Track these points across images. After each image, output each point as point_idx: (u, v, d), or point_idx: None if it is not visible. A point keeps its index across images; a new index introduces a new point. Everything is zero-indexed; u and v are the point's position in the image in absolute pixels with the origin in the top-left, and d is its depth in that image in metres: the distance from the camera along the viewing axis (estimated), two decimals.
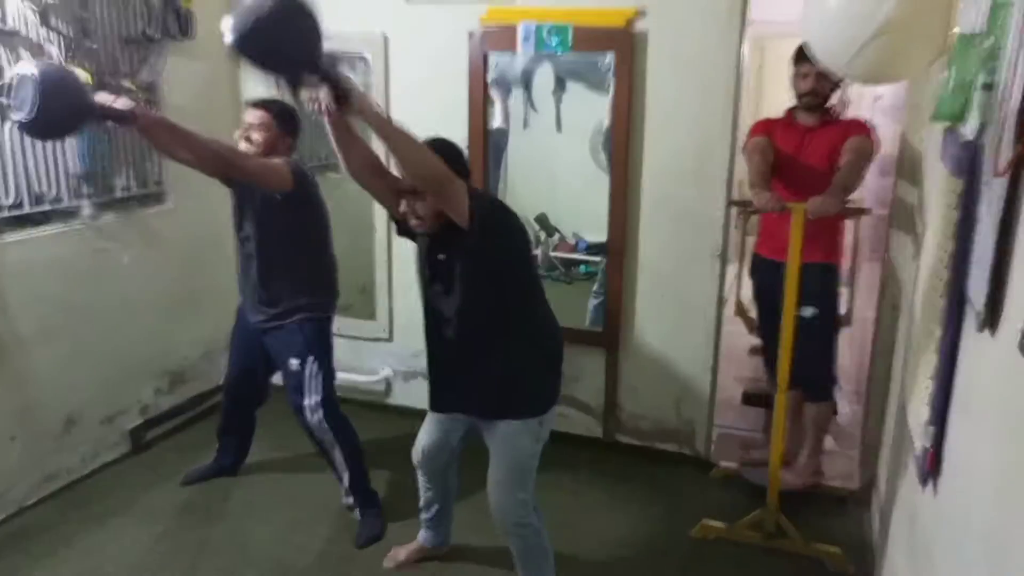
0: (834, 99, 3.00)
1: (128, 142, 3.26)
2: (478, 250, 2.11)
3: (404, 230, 2.28)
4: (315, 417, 2.79)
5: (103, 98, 2.39)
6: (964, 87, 1.59)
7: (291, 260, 2.81)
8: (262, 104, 2.76)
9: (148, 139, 2.68)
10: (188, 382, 3.69)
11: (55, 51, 2.89)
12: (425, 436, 2.51)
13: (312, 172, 2.85)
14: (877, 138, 2.86)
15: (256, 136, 2.72)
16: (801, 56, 2.81)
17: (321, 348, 2.84)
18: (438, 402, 2.39)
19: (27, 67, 2.29)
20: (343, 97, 1.80)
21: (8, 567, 2.64)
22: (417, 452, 2.53)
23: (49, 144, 2.93)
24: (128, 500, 3.06)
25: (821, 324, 2.97)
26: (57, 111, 2.31)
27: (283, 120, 2.76)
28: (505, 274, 2.19)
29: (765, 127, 3.00)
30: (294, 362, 2.80)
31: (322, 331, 2.87)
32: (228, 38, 1.66)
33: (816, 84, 2.84)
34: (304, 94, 1.95)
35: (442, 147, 2.14)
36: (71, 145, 2.99)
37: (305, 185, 2.76)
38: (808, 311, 2.89)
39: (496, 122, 3.93)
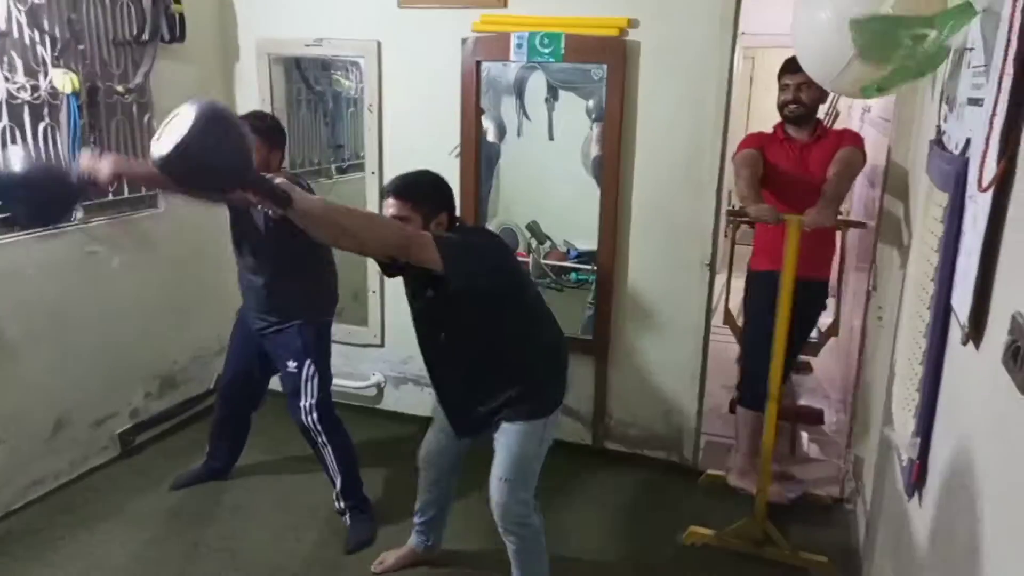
0: (820, 112, 3.04)
1: (119, 145, 3.26)
2: (460, 293, 2.12)
3: (391, 272, 2.19)
4: (310, 419, 2.80)
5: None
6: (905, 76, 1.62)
7: (298, 279, 2.81)
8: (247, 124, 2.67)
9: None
10: (178, 386, 3.68)
11: (46, 54, 2.88)
12: (433, 437, 2.52)
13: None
14: (864, 149, 2.90)
15: None
16: (784, 68, 2.88)
17: (319, 351, 2.85)
18: (458, 430, 2.42)
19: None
20: (283, 201, 1.75)
21: None
22: (424, 453, 2.54)
23: (41, 146, 2.92)
24: (117, 504, 3.05)
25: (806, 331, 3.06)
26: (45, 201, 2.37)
27: (270, 138, 2.71)
28: (493, 306, 2.19)
29: (756, 141, 3.02)
30: (292, 364, 2.82)
31: (321, 335, 2.88)
32: (155, 160, 1.63)
33: (797, 94, 2.89)
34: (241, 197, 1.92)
35: (418, 184, 2.15)
36: (62, 148, 2.98)
37: None
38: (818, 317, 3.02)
39: (489, 136, 3.95)
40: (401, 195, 2.12)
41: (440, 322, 2.27)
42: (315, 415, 2.81)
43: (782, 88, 2.95)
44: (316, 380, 2.82)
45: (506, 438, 2.28)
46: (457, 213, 2.28)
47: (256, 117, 2.73)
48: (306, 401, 2.81)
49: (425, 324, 2.32)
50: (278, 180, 1.82)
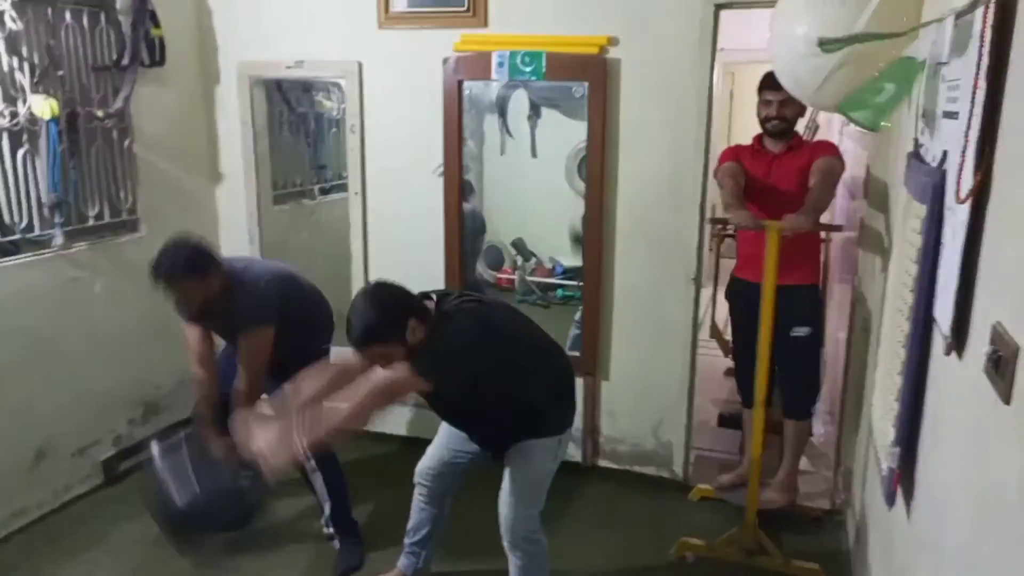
0: (800, 125, 3.08)
1: (99, 170, 3.24)
2: (457, 394, 2.19)
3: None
4: (299, 442, 2.76)
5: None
6: (895, 102, 1.69)
7: (286, 351, 2.73)
8: (167, 276, 2.57)
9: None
10: (162, 412, 3.64)
11: (25, 80, 2.87)
12: (434, 454, 2.50)
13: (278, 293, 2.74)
14: (842, 157, 2.95)
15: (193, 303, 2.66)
16: (766, 84, 2.91)
17: None
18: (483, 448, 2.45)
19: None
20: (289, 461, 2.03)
21: None
22: (422, 469, 2.52)
23: (20, 173, 2.91)
24: (101, 533, 3.00)
25: (812, 343, 3.08)
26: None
27: (196, 270, 2.57)
28: (495, 382, 2.19)
29: (735, 153, 3.08)
30: (286, 387, 2.78)
31: (316, 361, 2.86)
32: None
33: (780, 110, 2.93)
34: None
35: (368, 327, 2.07)
36: (42, 174, 2.96)
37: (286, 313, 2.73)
38: (803, 330, 3.00)
39: (468, 204, 3.91)
40: (363, 346, 2.09)
41: (449, 406, 2.34)
42: (304, 440, 2.76)
43: (764, 103, 2.99)
44: None
45: (519, 455, 2.28)
46: (429, 298, 2.24)
47: (170, 265, 2.56)
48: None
49: (439, 411, 2.39)
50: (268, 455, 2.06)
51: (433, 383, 2.08)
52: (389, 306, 2.10)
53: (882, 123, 1.93)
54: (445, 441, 2.48)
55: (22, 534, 2.98)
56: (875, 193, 2.86)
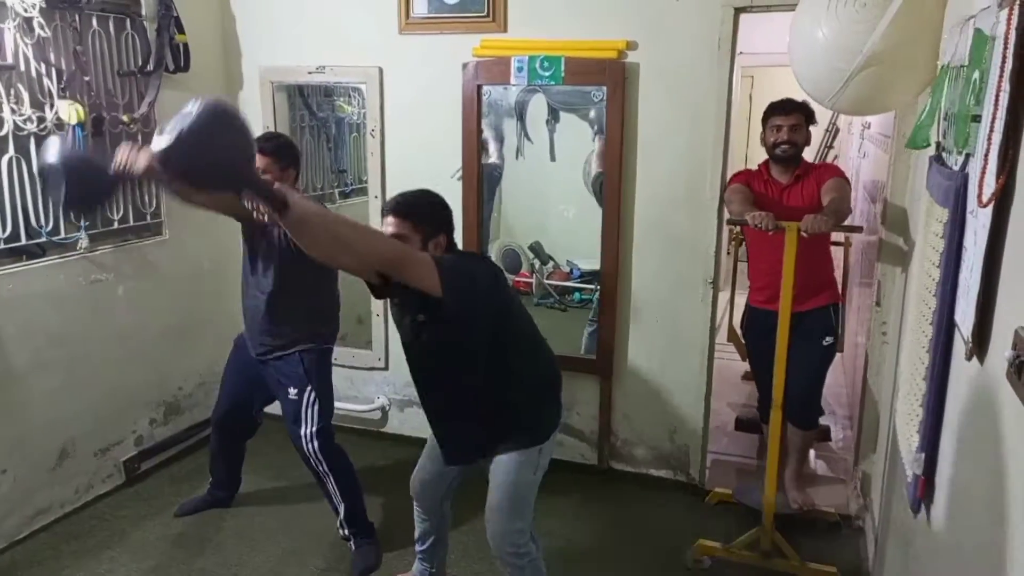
0: (818, 131, 3.08)
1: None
2: (454, 317, 2.04)
3: (380, 293, 2.15)
4: (311, 447, 2.79)
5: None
6: (932, 116, 1.64)
7: (305, 297, 2.82)
8: (258, 146, 2.67)
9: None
10: (183, 413, 3.68)
11: (52, 85, 2.92)
12: (424, 467, 2.51)
13: None
14: (848, 178, 3.00)
15: None
16: (774, 110, 2.96)
17: (320, 378, 2.85)
18: (448, 458, 2.37)
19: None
20: (281, 205, 1.69)
21: None
22: (415, 483, 2.53)
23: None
24: (122, 532, 3.04)
25: (829, 354, 3.12)
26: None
27: (283, 156, 2.74)
28: (485, 333, 2.14)
29: (745, 177, 3.09)
30: (292, 391, 2.81)
31: (322, 361, 2.88)
32: (155, 153, 1.63)
33: (791, 135, 2.96)
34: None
35: (418, 203, 2.12)
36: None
37: None
38: (828, 340, 3.07)
39: (491, 157, 3.97)
40: (401, 213, 2.09)
41: (430, 348, 2.19)
42: (316, 443, 2.78)
43: (773, 129, 3.01)
44: (317, 407, 2.80)
45: (500, 468, 2.25)
46: (456, 237, 2.26)
47: (265, 139, 2.76)
48: (307, 429, 2.79)
49: (415, 350, 2.24)
50: (276, 185, 1.80)
51: (446, 285, 1.94)
52: (442, 207, 2.18)
53: (924, 139, 1.89)
54: (430, 456, 2.47)
55: (45, 532, 3.02)
56: (896, 196, 2.84)
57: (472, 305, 2.05)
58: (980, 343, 1.30)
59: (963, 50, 1.60)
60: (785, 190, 3.02)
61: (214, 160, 1.64)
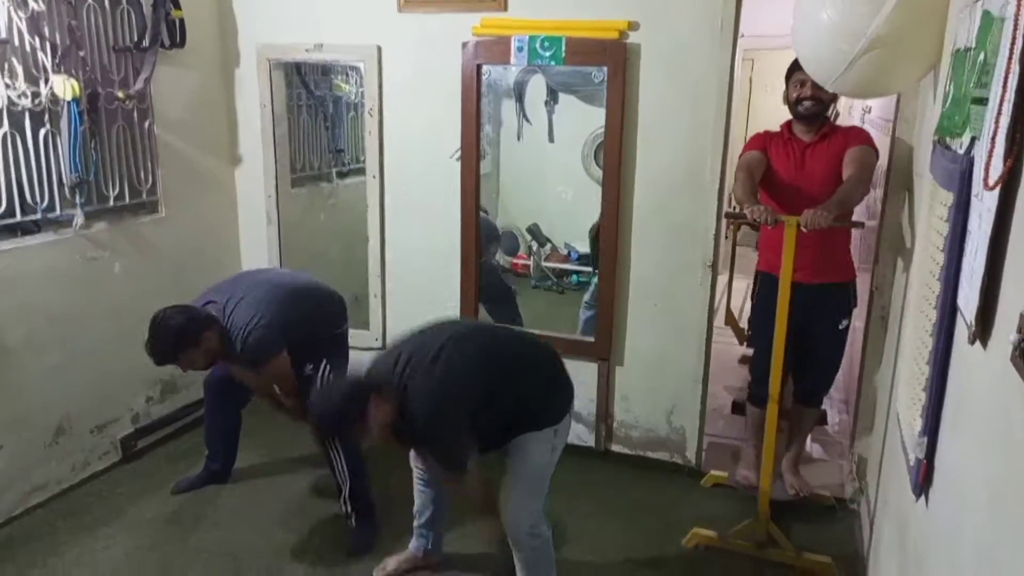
0: (831, 109, 3.01)
1: (119, 151, 3.25)
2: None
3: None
4: None
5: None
6: (960, 101, 1.62)
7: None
8: (163, 360, 2.71)
9: None
10: (179, 391, 3.67)
11: (47, 60, 2.88)
12: None
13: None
14: (876, 146, 2.86)
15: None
16: (797, 66, 2.76)
17: (337, 356, 2.89)
18: None
19: None
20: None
21: None
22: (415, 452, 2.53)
23: (42, 153, 2.92)
24: (118, 509, 3.04)
25: (844, 335, 3.06)
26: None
27: (188, 341, 2.68)
28: (488, 413, 2.22)
29: (762, 141, 2.97)
30: (308, 367, 2.84)
31: (337, 342, 2.92)
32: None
33: (815, 90, 2.78)
34: None
35: (327, 428, 2.30)
36: (63, 154, 2.98)
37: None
38: (844, 323, 3.01)
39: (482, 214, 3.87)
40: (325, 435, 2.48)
41: None
42: None
43: (796, 84, 2.85)
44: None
45: (517, 449, 2.27)
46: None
47: (159, 343, 2.67)
48: None
49: None
50: None
51: (462, 462, 2.18)
52: (352, 393, 2.18)
53: (948, 125, 1.83)
54: None
55: (42, 508, 3.02)
56: (897, 181, 2.83)
57: (464, 427, 2.17)
58: (984, 327, 1.29)
59: (972, 33, 1.59)
60: (808, 148, 2.88)
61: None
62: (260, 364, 2.78)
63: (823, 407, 3.77)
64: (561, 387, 2.37)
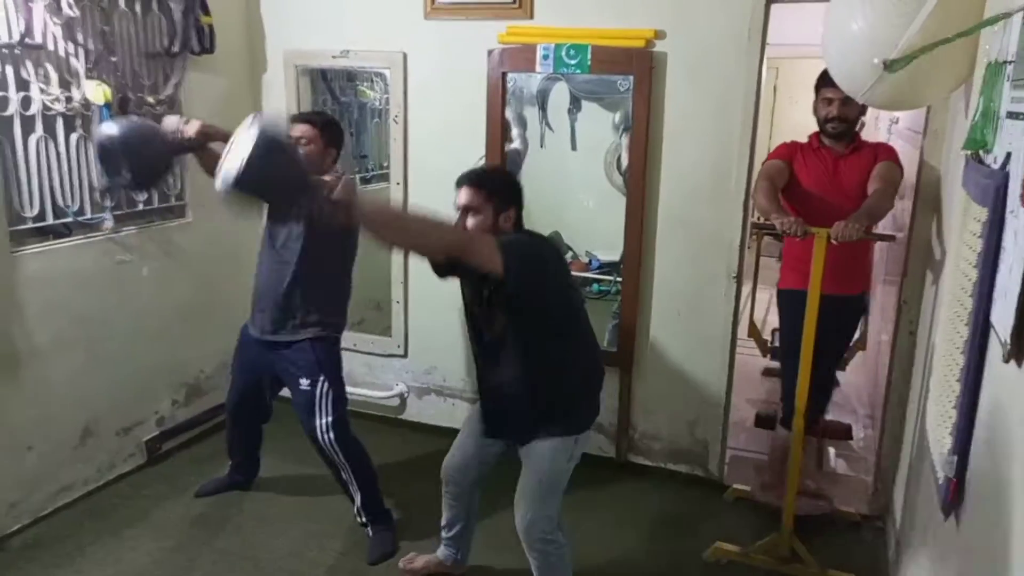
0: (858, 123, 2.98)
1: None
2: (517, 297, 2.12)
3: (443, 272, 2.31)
4: (326, 438, 2.78)
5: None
6: (990, 115, 1.59)
7: (322, 278, 2.82)
8: (306, 118, 2.80)
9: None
10: (204, 394, 3.71)
11: (80, 66, 2.92)
12: (459, 451, 2.51)
13: None
14: (901, 163, 2.85)
15: (303, 150, 2.67)
16: (825, 80, 2.76)
17: (332, 368, 2.84)
18: (489, 429, 2.43)
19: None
20: (347, 208, 1.84)
21: None
22: (448, 468, 2.53)
23: (73, 158, 2.97)
24: (143, 511, 3.07)
25: (845, 348, 3.07)
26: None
27: (328, 132, 2.77)
28: (545, 315, 2.20)
29: (788, 151, 2.96)
30: (304, 382, 2.79)
31: (332, 351, 2.87)
32: (220, 186, 1.79)
33: (842, 110, 2.80)
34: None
35: (492, 176, 2.33)
36: (94, 159, 3.02)
37: None
38: (857, 334, 3.06)
39: (514, 143, 3.95)
40: (475, 183, 2.19)
41: (490, 322, 2.28)
42: (331, 434, 2.78)
43: (823, 101, 2.86)
44: (331, 396, 2.79)
45: (536, 453, 2.27)
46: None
47: (316, 112, 2.91)
48: (321, 420, 2.78)
49: (476, 321, 2.34)
50: (339, 185, 1.86)
51: (508, 266, 2.00)
52: (514, 182, 2.33)
53: (979, 138, 1.80)
54: (470, 434, 2.49)
55: (68, 509, 3.06)
56: (926, 193, 2.80)
57: (535, 283, 2.11)
58: (1020, 345, 1.27)
59: (1008, 45, 1.57)
60: (840, 159, 2.88)
61: (281, 179, 1.85)
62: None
63: (848, 422, 3.74)
64: (594, 397, 2.40)
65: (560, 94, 4.60)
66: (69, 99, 2.91)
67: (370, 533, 2.90)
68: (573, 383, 2.31)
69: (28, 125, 2.80)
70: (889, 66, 1.94)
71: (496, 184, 2.24)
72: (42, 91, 2.81)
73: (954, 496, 1.59)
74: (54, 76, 2.85)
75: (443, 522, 2.64)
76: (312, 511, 3.11)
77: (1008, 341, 1.31)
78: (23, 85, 2.76)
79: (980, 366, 1.53)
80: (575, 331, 2.31)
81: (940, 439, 1.75)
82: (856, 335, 3.21)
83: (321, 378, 2.79)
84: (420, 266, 3.68)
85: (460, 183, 2.21)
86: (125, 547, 2.84)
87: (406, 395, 3.87)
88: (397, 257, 3.70)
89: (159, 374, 3.45)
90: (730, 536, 2.91)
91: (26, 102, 2.77)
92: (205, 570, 2.74)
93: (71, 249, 3.00)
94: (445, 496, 2.58)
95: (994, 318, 1.44)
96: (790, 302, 3.02)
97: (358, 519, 2.92)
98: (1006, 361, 1.33)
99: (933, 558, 1.86)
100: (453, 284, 3.61)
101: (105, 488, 3.22)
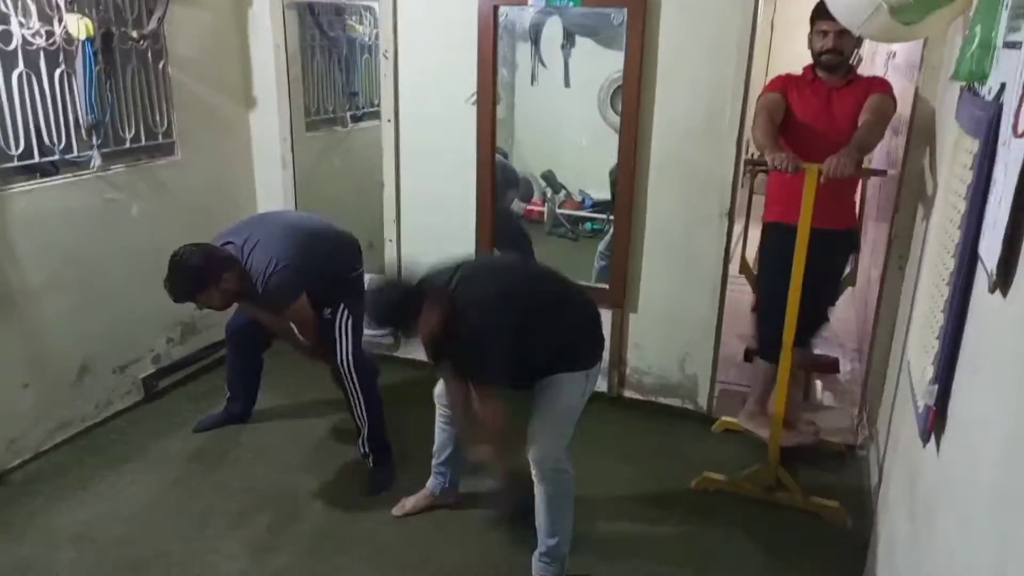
0: (854, 58, 2.94)
1: (134, 92, 3.24)
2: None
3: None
4: (347, 366, 2.86)
5: None
6: (986, 46, 1.58)
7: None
8: (183, 298, 2.71)
9: None
10: (199, 332, 3.73)
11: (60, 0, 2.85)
12: None
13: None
14: (895, 97, 2.82)
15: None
16: (820, 13, 2.69)
17: (354, 298, 2.91)
18: None
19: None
20: None
21: (26, 509, 2.71)
22: (439, 387, 2.59)
23: (57, 94, 2.91)
24: (142, 447, 3.12)
25: (839, 280, 3.09)
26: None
27: (208, 280, 2.68)
28: (528, 345, 2.24)
29: (782, 83, 2.92)
30: (326, 311, 2.87)
31: (353, 284, 2.95)
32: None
33: (837, 42, 2.75)
34: None
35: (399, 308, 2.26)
36: (79, 95, 2.97)
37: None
38: (848, 268, 3.06)
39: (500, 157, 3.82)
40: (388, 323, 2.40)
41: None
42: (351, 363, 2.86)
43: (818, 34, 2.80)
44: (350, 324, 2.87)
45: (549, 387, 2.32)
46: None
47: (183, 284, 2.68)
48: (343, 347, 2.86)
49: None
50: None
51: (501, 378, 2.22)
52: (410, 291, 2.25)
53: (975, 69, 1.77)
54: None
55: (68, 445, 3.11)
56: (922, 127, 2.78)
57: (507, 353, 2.20)
58: (1005, 276, 1.29)
59: None
60: (834, 91, 2.85)
61: None
62: (282, 307, 2.80)
63: (835, 355, 3.80)
64: (597, 337, 2.44)
65: (553, 29, 4.51)
66: (50, 33, 2.85)
67: (371, 465, 2.96)
68: (576, 339, 2.37)
69: (9, 60, 2.74)
70: (897, 12, 1.91)
71: (389, 318, 2.33)
72: (22, 25, 2.75)
73: (933, 424, 1.63)
74: (33, 9, 2.78)
75: (434, 448, 2.70)
76: (309, 444, 3.17)
77: (994, 272, 1.33)
78: (2, 19, 2.70)
79: (966, 297, 1.55)
80: (561, 314, 2.36)
81: (922, 369, 1.78)
82: (846, 271, 3.23)
83: (341, 305, 2.88)
84: (412, 204, 3.68)
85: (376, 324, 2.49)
86: (125, 481, 2.90)
87: (399, 333, 3.89)
88: (389, 195, 3.68)
89: (154, 312, 3.45)
90: (718, 466, 2.99)
91: (6, 36, 2.71)
92: (205, 501, 2.80)
93: (59, 188, 2.98)
94: (438, 419, 2.64)
95: (982, 250, 1.46)
96: (776, 235, 2.98)
97: (360, 450, 2.98)
98: (992, 292, 1.35)
99: (915, 485, 1.92)
100: (445, 221, 3.61)
101: (103, 424, 3.26)
